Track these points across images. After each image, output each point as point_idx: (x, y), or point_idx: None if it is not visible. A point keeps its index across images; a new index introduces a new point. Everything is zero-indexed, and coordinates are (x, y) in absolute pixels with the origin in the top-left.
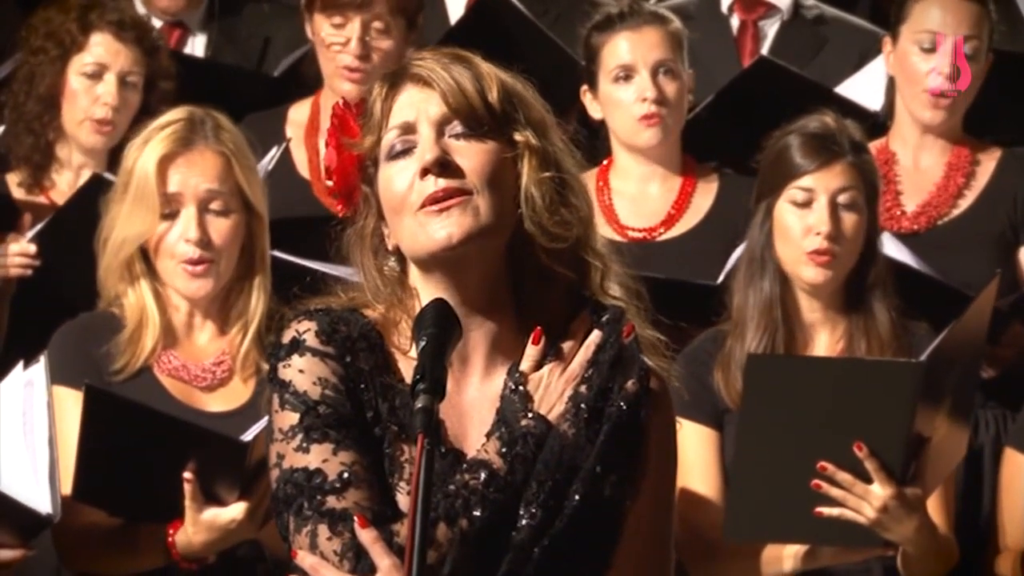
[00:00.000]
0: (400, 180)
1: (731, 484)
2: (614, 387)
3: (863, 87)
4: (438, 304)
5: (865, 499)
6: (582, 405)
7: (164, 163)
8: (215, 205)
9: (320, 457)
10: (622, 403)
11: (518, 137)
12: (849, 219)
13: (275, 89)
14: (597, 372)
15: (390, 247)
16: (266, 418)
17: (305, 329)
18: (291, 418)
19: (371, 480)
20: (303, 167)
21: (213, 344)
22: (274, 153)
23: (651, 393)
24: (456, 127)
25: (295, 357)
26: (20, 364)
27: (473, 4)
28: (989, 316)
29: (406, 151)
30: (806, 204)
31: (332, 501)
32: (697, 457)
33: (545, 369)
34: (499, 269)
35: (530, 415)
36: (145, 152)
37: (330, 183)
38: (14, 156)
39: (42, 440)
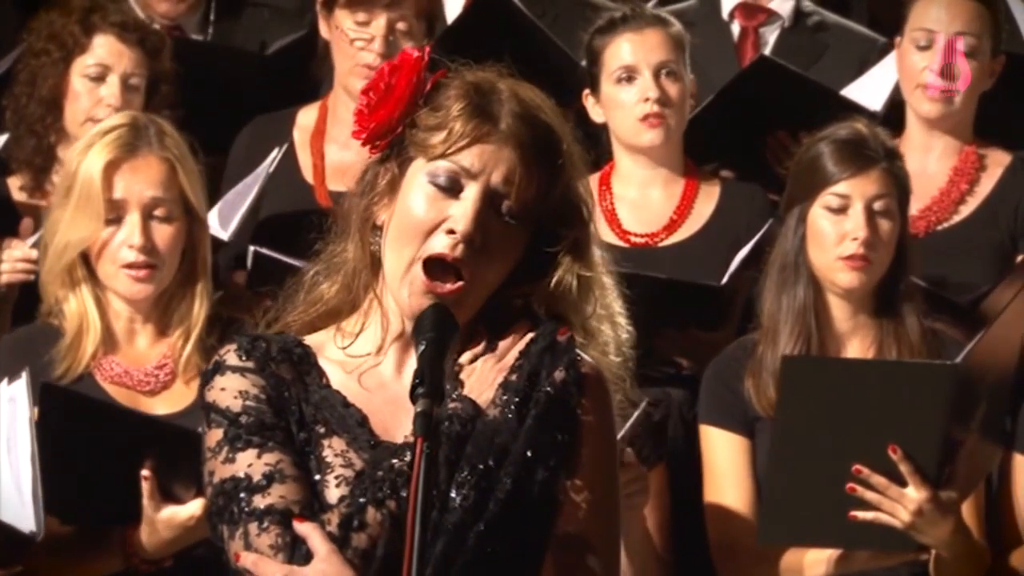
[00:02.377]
0: (427, 208)
1: (766, 488)
2: (542, 374)
3: (868, 90)
4: (439, 308)
5: (900, 502)
6: (511, 391)
7: (109, 169)
8: (159, 212)
9: (246, 463)
10: (549, 388)
11: (565, 233)
12: (884, 225)
13: (272, 71)
14: (527, 360)
15: (378, 222)
16: None
17: (225, 351)
18: (216, 435)
19: (297, 476)
20: (307, 171)
21: (154, 348)
22: (275, 155)
23: (584, 377)
24: (506, 206)
25: (216, 378)
26: (5, 380)
27: (473, 1)
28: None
29: (450, 189)
30: (841, 210)
31: (258, 500)
32: (729, 465)
33: (479, 360)
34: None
35: (459, 399)
36: (89, 157)
37: (359, 112)
38: (16, 160)
39: (25, 457)
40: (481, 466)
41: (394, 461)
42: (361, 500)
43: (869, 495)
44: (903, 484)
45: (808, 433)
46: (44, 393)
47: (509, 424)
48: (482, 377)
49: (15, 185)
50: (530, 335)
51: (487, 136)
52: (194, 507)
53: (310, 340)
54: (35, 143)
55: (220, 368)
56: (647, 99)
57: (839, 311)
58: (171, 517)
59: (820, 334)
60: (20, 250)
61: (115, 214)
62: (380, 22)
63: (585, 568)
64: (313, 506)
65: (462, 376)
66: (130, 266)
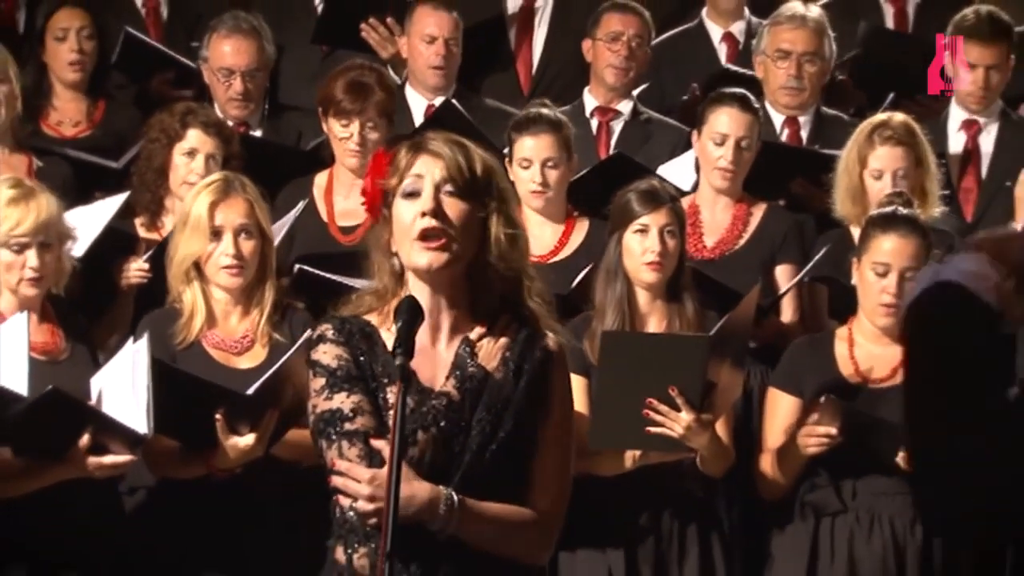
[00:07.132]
0: (407, 213)
1: (594, 412)
2: (527, 354)
3: (678, 168)
4: (410, 299)
5: (676, 422)
6: (509, 363)
7: (212, 207)
8: (244, 233)
9: (339, 401)
10: (533, 365)
11: (490, 201)
12: (671, 243)
13: (306, 159)
14: (517, 343)
15: (393, 250)
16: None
17: (326, 328)
18: (320, 381)
19: (372, 411)
20: (323, 214)
21: (240, 324)
22: (299, 207)
23: (552, 355)
24: (449, 187)
25: (320, 345)
26: (131, 339)
27: (433, 112)
28: (754, 308)
29: (414, 194)
30: (643, 233)
31: (347, 425)
32: (573, 395)
33: (485, 339)
34: (461, 278)
35: (475, 365)
36: (199, 200)
37: (363, 202)
38: (138, 207)
39: (142, 387)
40: (493, 410)
41: (433, 402)
42: (412, 426)
43: (657, 417)
44: (678, 410)
45: (620, 378)
46: (154, 367)
47: (509, 384)
48: (488, 352)
49: (138, 223)
50: (516, 325)
51: (421, 152)
52: (248, 439)
53: (373, 321)
54: (150, 197)
55: (323, 339)
56: (534, 181)
57: (643, 298)
58: (233, 445)
59: (631, 313)
60: (137, 263)
61: (216, 235)
62: (355, 125)
63: (544, 491)
64: (383, 431)
65: (475, 349)
66: (227, 267)
